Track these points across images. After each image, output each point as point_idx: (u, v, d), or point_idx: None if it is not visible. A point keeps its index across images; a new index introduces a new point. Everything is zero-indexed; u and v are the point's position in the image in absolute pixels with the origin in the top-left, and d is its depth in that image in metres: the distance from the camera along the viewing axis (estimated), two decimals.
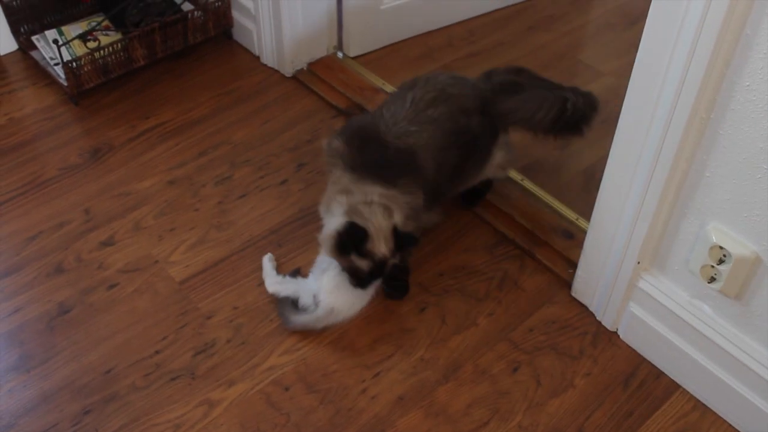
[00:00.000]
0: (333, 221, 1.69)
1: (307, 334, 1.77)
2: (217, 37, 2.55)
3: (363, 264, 1.66)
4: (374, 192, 1.68)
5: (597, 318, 1.82)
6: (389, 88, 2.39)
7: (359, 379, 1.70)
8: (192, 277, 1.89)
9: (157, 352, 1.73)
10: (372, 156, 1.71)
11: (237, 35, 2.59)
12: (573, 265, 1.87)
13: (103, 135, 2.25)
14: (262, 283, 1.86)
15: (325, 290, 1.71)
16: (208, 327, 1.78)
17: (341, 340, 1.76)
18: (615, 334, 1.79)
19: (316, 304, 1.72)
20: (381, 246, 1.65)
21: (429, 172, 1.75)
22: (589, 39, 2.74)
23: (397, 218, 1.68)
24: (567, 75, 2.54)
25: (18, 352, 1.73)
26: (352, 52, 2.52)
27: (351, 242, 1.64)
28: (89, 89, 2.33)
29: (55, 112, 2.32)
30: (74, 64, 2.25)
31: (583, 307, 1.84)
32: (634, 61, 1.44)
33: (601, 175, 1.64)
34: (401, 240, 1.67)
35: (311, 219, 1.99)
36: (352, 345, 1.74)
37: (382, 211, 1.66)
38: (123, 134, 2.26)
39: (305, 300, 1.75)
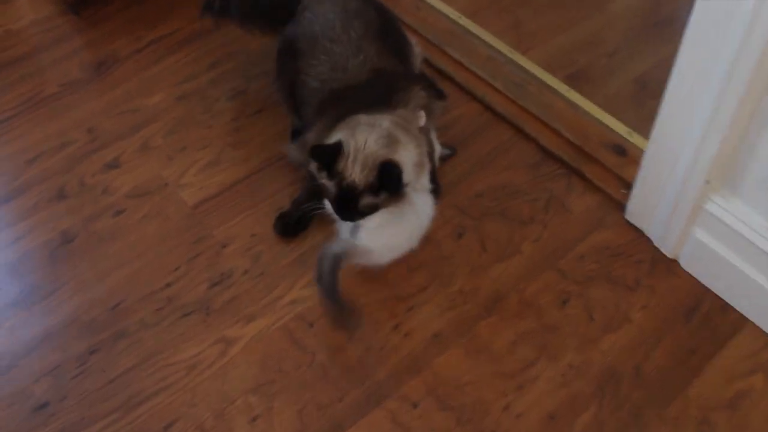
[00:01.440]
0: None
1: None
2: None
3: (330, 185, 1.46)
4: (383, 118, 1.50)
5: (654, 244, 1.65)
6: None
7: (391, 314, 1.55)
8: (206, 201, 1.73)
9: (168, 285, 1.59)
10: (356, 96, 1.57)
11: None
12: (627, 184, 1.69)
13: (106, 47, 2.08)
14: (282, 208, 1.70)
15: (366, 228, 1.52)
16: (224, 256, 1.64)
17: (370, 269, 1.60)
18: (675, 262, 1.62)
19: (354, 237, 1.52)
20: (352, 169, 1.44)
21: (400, 64, 1.69)
22: None
23: (403, 153, 1.48)
24: None
25: (19, 285, 1.60)
26: None
27: (323, 154, 1.46)
28: None
29: (55, 23, 2.14)
30: None
31: (638, 232, 1.67)
32: None
33: (655, 84, 1.47)
34: (384, 176, 1.44)
35: None
36: (382, 275, 1.59)
37: (377, 137, 1.46)
38: (128, 46, 2.08)
39: (343, 233, 1.56)
